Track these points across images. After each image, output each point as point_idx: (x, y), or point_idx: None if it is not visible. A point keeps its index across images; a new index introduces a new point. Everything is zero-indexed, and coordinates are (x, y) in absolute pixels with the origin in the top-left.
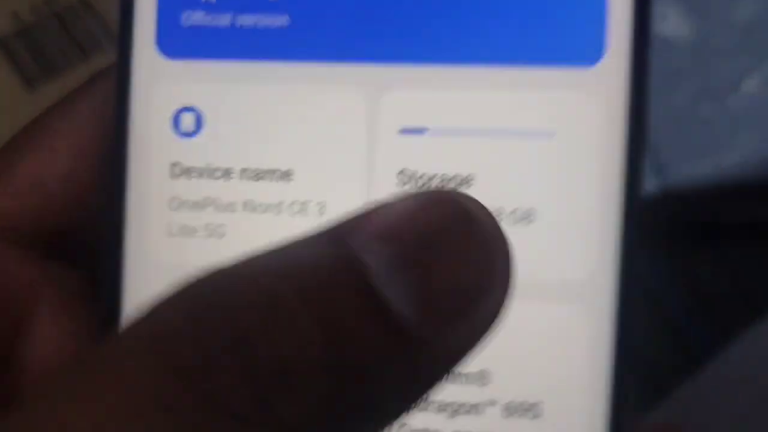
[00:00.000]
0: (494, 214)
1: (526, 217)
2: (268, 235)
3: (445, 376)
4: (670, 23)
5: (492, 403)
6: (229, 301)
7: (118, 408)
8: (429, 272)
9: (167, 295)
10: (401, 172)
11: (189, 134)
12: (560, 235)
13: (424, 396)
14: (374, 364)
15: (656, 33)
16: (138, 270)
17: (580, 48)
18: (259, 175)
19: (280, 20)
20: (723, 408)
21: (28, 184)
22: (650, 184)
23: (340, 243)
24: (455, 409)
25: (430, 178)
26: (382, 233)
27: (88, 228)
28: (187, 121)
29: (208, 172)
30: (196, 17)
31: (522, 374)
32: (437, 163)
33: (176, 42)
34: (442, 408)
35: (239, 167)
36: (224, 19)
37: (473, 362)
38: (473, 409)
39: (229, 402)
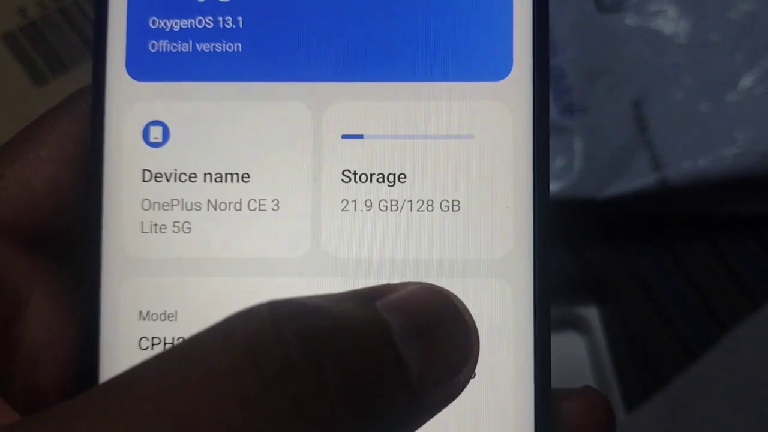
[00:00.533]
0: (426, 205)
1: (453, 207)
2: (229, 230)
3: (431, 417)
4: (668, 21)
5: None
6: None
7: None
8: (433, 345)
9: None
10: (344, 172)
11: (157, 144)
12: (483, 221)
13: (416, 429)
14: (390, 404)
15: (655, 30)
16: (114, 263)
17: (492, 66)
18: (219, 178)
19: (235, 46)
20: (718, 397)
21: (18, 186)
22: (649, 179)
23: (369, 304)
24: None
25: (369, 177)
26: (399, 306)
27: (72, 226)
28: (156, 133)
29: (175, 176)
30: (161, 45)
31: None
32: (374, 163)
33: (144, 66)
34: None
35: (202, 171)
36: (186, 46)
37: None
38: None
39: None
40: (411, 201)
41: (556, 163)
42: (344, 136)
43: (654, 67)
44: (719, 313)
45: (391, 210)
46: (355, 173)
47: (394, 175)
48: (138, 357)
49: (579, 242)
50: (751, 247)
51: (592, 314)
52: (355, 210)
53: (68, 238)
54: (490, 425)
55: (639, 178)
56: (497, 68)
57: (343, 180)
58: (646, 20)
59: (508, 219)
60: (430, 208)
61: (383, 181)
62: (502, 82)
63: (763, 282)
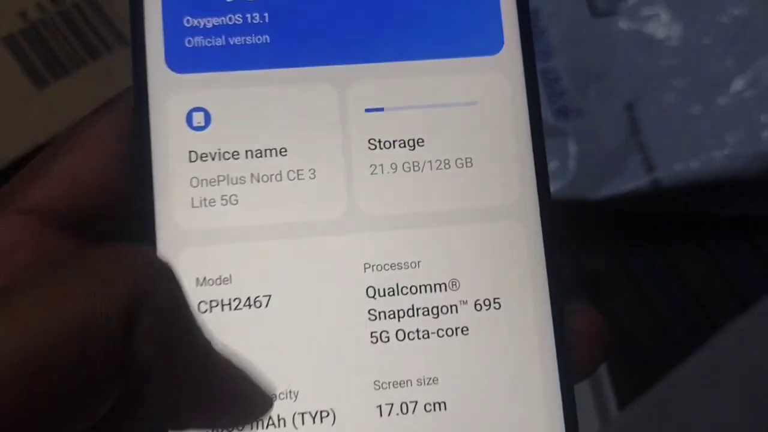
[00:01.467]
0: (443, 164)
1: (466, 164)
2: (272, 198)
3: None
4: (661, 25)
5: (464, 302)
6: None
7: None
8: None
9: None
10: (369, 140)
11: (200, 128)
12: (493, 173)
13: None
14: None
15: (648, 34)
16: (169, 237)
17: (487, 44)
18: (260, 154)
19: (263, 39)
20: (709, 394)
21: (65, 177)
22: (642, 181)
23: None
24: (435, 313)
25: (392, 143)
26: None
27: (115, 213)
28: (198, 118)
29: (219, 155)
30: (196, 41)
31: (483, 277)
32: (395, 131)
33: (182, 60)
34: (427, 312)
35: (243, 149)
36: (219, 41)
37: (446, 273)
38: (450, 309)
39: None
40: (430, 161)
41: (551, 166)
42: (367, 110)
43: (647, 70)
44: (710, 312)
45: (414, 170)
46: (379, 141)
47: (414, 140)
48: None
49: (572, 243)
50: (741, 248)
51: None
52: (382, 173)
53: (114, 227)
54: (511, 345)
55: (632, 180)
56: (492, 45)
57: (369, 148)
58: (639, 24)
59: (514, 169)
60: (447, 166)
61: (404, 146)
62: (497, 55)
63: (752, 282)
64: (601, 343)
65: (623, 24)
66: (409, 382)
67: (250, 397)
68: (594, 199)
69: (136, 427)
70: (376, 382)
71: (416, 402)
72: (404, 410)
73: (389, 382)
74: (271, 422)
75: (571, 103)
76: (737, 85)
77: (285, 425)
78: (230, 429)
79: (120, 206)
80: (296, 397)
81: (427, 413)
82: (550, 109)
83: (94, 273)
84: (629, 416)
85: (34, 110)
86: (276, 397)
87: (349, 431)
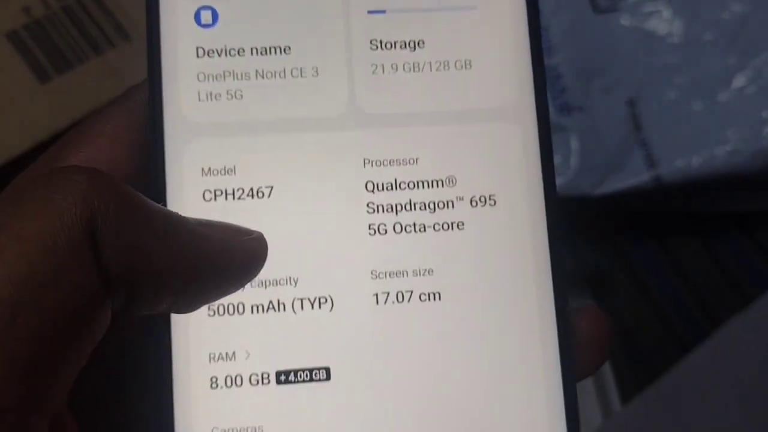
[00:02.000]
0: (443, 65)
1: (466, 65)
2: (276, 94)
3: None
4: (662, 22)
5: (460, 198)
6: None
7: None
8: None
9: None
10: (371, 41)
11: (208, 25)
12: (491, 76)
13: None
14: None
15: (649, 31)
16: (176, 128)
17: None
18: (264, 51)
19: None
20: (710, 389)
21: None
22: (644, 177)
23: None
24: (432, 208)
25: (393, 44)
26: None
27: None
28: (206, 16)
29: (225, 52)
30: None
31: (479, 175)
32: (396, 33)
33: None
34: (424, 207)
35: (249, 46)
36: None
37: (443, 170)
38: (447, 204)
39: None
40: (430, 63)
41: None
42: (369, 12)
43: (648, 67)
44: (711, 308)
45: (414, 71)
46: (381, 42)
47: (414, 42)
48: (202, 209)
49: (574, 239)
50: (742, 244)
51: None
52: (383, 73)
53: None
54: (505, 240)
55: (634, 176)
56: None
57: (371, 48)
58: (641, 21)
59: (511, 72)
60: (446, 68)
61: (405, 48)
62: None
63: (754, 277)
64: (606, 343)
65: (625, 21)
66: (405, 273)
67: (241, 249)
68: (596, 195)
69: (143, 322)
70: (373, 272)
71: (411, 292)
72: (400, 299)
73: (386, 272)
74: (271, 307)
75: (573, 100)
76: (738, 81)
77: (285, 310)
78: (235, 286)
79: None
80: (296, 283)
81: (422, 303)
82: (552, 106)
83: (38, 202)
84: (631, 410)
85: (37, 105)
86: (264, 239)
87: (346, 318)
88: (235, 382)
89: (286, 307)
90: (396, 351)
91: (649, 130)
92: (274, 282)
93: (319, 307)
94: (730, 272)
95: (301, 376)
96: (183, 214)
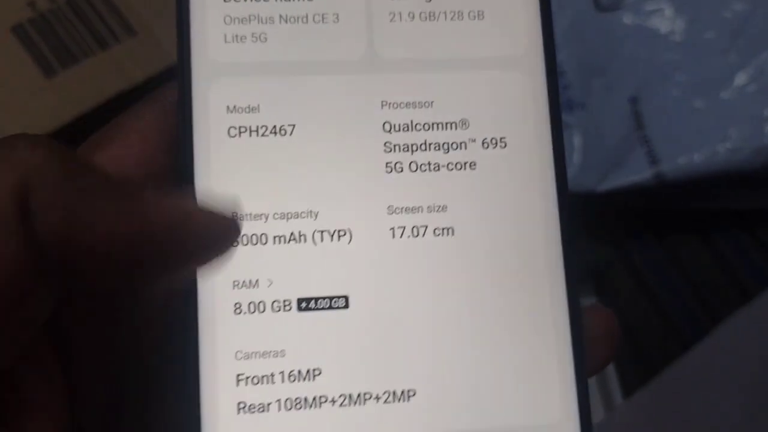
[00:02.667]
0: (456, 15)
1: (478, 16)
2: (298, 37)
3: None
4: (664, 20)
5: (472, 140)
6: None
7: None
8: None
9: None
10: None
11: None
12: (502, 26)
13: None
14: None
15: (652, 29)
16: (203, 68)
17: None
18: None
19: None
20: (709, 385)
21: (108, 163)
22: (646, 173)
23: None
24: (446, 148)
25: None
26: None
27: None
28: None
29: None
30: None
31: (491, 119)
32: None
33: None
34: (438, 147)
35: None
36: None
37: (456, 113)
38: (460, 145)
39: None
40: (445, 12)
41: None
42: None
43: (650, 64)
44: (712, 305)
45: (429, 20)
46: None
47: None
48: (228, 145)
49: (576, 235)
50: (742, 242)
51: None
52: (400, 20)
53: None
54: (515, 180)
55: (635, 174)
56: None
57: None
58: (643, 19)
59: (522, 24)
60: (460, 17)
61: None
62: None
63: (754, 275)
64: (613, 342)
65: (627, 19)
66: (420, 209)
67: (203, 225)
68: (598, 192)
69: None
70: (390, 207)
71: (426, 227)
72: (415, 234)
73: (402, 208)
74: (292, 238)
75: (576, 97)
76: (740, 79)
77: (305, 241)
78: (193, 262)
79: None
80: (316, 216)
81: (437, 237)
82: None
83: None
84: (633, 405)
85: (42, 99)
86: (240, 218)
87: (364, 250)
88: (258, 308)
89: (306, 238)
90: (411, 282)
91: (651, 128)
92: (296, 215)
93: (338, 239)
94: (730, 269)
95: (321, 304)
96: (207, 151)
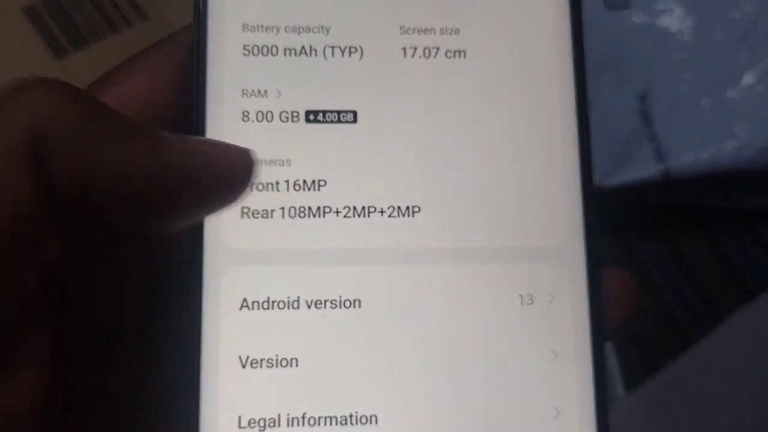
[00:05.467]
0: None
1: None
2: None
3: None
4: (674, 19)
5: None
6: None
7: None
8: None
9: None
10: None
11: None
12: None
13: None
14: None
15: (661, 28)
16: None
17: None
18: None
19: None
20: (710, 381)
21: (114, 104)
22: (653, 170)
23: None
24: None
25: None
26: None
27: None
28: None
29: None
30: None
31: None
32: None
33: None
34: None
35: None
36: None
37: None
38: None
39: None
40: None
41: None
42: None
43: (659, 62)
44: (715, 303)
45: None
46: None
47: None
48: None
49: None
50: (747, 241)
51: None
52: None
53: None
54: (527, 23)
55: (642, 170)
56: None
57: None
58: (653, 18)
59: None
60: None
61: None
62: None
63: (757, 275)
64: (631, 300)
65: (637, 17)
66: (432, 31)
67: (221, 166)
68: (604, 187)
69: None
70: (402, 27)
71: (438, 48)
72: (427, 54)
73: (414, 29)
74: (303, 51)
75: None
76: (748, 79)
77: (316, 55)
78: (213, 206)
79: None
80: (328, 32)
81: (448, 59)
82: None
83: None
84: (634, 400)
85: None
86: (257, 163)
87: (375, 67)
88: (266, 118)
89: (317, 52)
90: (420, 101)
91: (658, 125)
92: (307, 29)
93: (350, 55)
94: (734, 268)
95: (329, 117)
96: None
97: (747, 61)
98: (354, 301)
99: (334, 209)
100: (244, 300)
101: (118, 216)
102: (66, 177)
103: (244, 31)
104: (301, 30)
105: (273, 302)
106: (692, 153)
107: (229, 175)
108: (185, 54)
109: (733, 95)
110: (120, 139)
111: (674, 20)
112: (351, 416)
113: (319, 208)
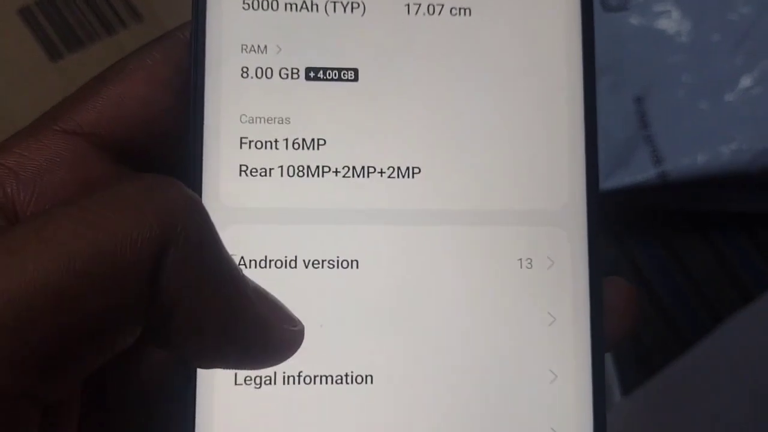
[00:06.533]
0: None
1: None
2: None
3: None
4: (671, 21)
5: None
6: None
7: None
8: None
9: None
10: None
11: None
12: None
13: None
14: None
15: (658, 30)
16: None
17: None
18: None
19: None
20: (708, 383)
21: (110, 102)
22: (649, 173)
23: None
24: None
25: None
26: None
27: (159, 147)
28: None
29: None
30: None
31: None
32: None
33: None
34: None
35: None
36: None
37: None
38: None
39: None
40: None
41: None
42: None
43: (657, 65)
44: (713, 305)
45: None
46: None
47: None
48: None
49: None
50: (744, 244)
51: None
52: None
53: (157, 156)
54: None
55: (639, 173)
56: None
57: None
58: (650, 20)
59: None
60: None
61: None
62: None
63: (755, 277)
64: (634, 312)
65: (634, 19)
66: None
67: (280, 336)
68: (601, 191)
69: (161, 363)
70: None
71: (443, 6)
72: (431, 11)
73: None
74: (304, 6)
75: None
76: (745, 82)
77: (317, 11)
78: (254, 366)
79: (165, 141)
80: None
81: (453, 17)
82: None
83: (127, 202)
84: (632, 403)
85: (47, 82)
86: (303, 334)
87: (377, 24)
88: (266, 74)
89: (318, 8)
90: (423, 59)
91: (655, 128)
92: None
93: (352, 11)
94: (732, 270)
95: (329, 75)
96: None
97: (744, 64)
98: (352, 261)
99: (334, 168)
100: (242, 258)
101: (174, 340)
102: (164, 299)
103: None
104: None
105: (270, 261)
106: (689, 156)
107: (275, 347)
108: (184, 53)
109: (731, 98)
110: (217, 283)
111: (672, 22)
112: (347, 375)
113: (318, 167)
